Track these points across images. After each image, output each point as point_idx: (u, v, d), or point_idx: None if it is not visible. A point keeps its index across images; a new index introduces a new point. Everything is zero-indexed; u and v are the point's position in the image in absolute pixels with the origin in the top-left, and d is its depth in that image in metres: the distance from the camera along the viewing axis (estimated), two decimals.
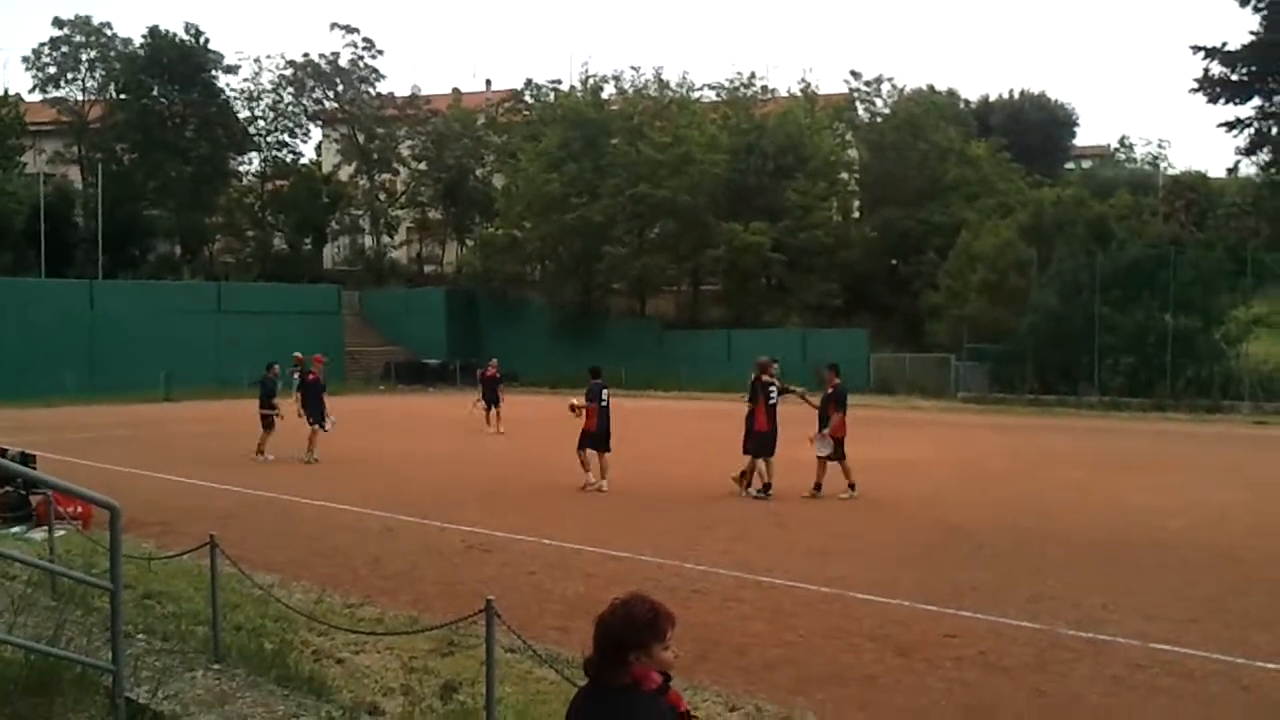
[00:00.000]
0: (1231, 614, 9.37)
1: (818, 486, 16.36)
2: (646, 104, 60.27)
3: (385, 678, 7.35)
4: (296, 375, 39.22)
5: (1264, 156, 41.95)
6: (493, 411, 28.13)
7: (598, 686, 3.16)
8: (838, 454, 16.29)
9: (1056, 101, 70.47)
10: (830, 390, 16.75)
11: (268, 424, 21.80)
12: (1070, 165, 71.07)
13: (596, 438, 17.23)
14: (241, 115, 66.75)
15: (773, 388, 16.56)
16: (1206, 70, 40.93)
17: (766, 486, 16.24)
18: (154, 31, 61.81)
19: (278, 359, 23.76)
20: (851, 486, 16.19)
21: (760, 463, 16.34)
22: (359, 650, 7.98)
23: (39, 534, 12.05)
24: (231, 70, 65.33)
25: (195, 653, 7.59)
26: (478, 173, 67.80)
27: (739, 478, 16.59)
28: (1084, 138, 74.25)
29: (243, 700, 6.62)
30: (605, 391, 17.48)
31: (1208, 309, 38.64)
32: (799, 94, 62.11)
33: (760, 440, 16.32)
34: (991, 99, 70.70)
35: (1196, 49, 40.65)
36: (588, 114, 56.14)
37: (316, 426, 21.05)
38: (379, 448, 23.49)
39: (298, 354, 39.82)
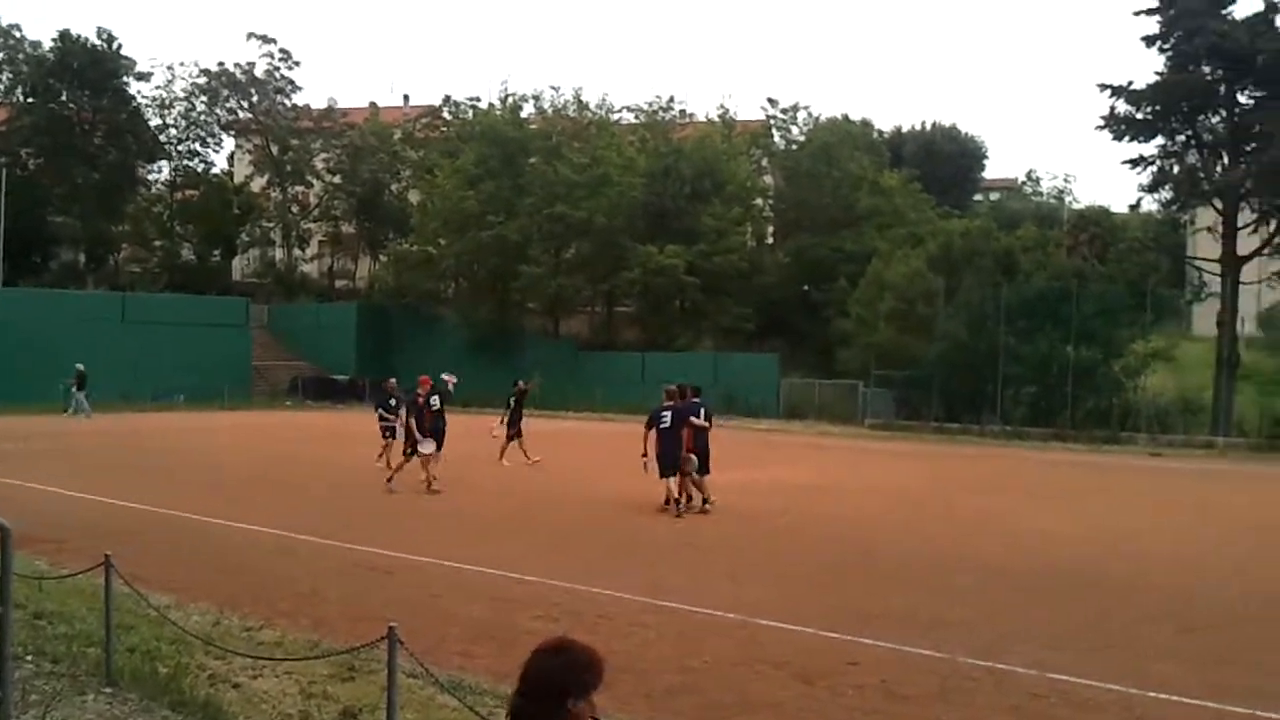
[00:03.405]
0: (1131, 644, 9.53)
1: (689, 500, 17.03)
2: (565, 124, 60.31)
3: (283, 703, 7.19)
4: (74, 387, 38.44)
5: (1165, 194, 43.10)
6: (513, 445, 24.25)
7: None
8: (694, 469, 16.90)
9: (967, 134, 72.21)
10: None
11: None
12: (979, 197, 72.63)
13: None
14: (153, 123, 65.46)
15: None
16: (1112, 108, 42.02)
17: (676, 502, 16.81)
18: (64, 35, 60.35)
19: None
20: (689, 501, 17.01)
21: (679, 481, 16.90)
22: (256, 675, 7.79)
23: None
24: (144, 77, 63.96)
25: (87, 675, 7.40)
26: (393, 188, 67.34)
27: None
28: (993, 170, 76.18)
29: None
30: (435, 399, 20.13)
31: (1109, 342, 39.63)
32: (717, 119, 62.76)
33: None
34: (904, 130, 72.07)
35: (1103, 87, 41.76)
36: (506, 132, 56.01)
37: (432, 454, 19.45)
38: (282, 465, 23.01)
39: (80, 365, 39.10)
